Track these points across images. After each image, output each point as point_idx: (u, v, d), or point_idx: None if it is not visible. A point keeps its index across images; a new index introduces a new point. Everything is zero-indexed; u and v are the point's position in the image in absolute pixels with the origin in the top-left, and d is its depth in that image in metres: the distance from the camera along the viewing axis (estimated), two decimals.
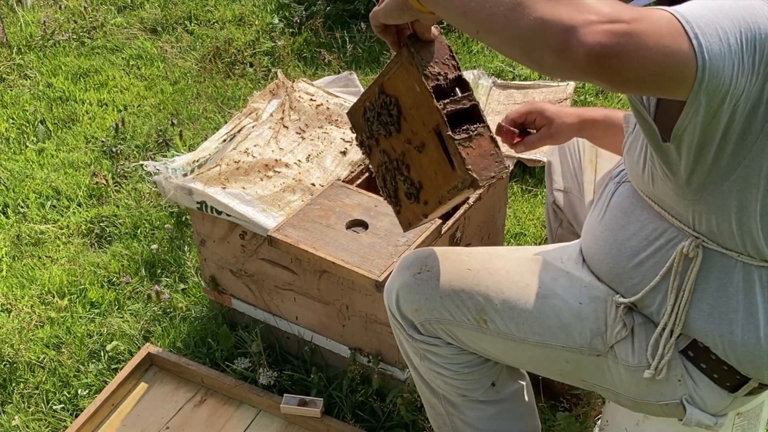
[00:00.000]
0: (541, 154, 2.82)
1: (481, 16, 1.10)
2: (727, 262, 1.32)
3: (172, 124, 3.23)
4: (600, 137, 1.73)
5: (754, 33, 1.08)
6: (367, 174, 2.13)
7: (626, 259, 1.42)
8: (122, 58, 3.78)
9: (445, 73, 1.33)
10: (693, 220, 1.31)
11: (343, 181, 2.05)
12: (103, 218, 2.83)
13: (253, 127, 2.23)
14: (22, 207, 2.92)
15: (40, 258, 2.69)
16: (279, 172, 2.10)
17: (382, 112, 1.45)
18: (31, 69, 3.72)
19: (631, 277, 1.43)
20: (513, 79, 3.45)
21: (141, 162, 3.02)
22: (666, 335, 1.38)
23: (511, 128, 1.67)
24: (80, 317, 2.44)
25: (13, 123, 3.39)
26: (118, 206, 2.87)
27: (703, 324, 1.36)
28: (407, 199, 1.49)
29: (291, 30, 3.77)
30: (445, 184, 1.38)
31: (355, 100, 2.35)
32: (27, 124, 3.37)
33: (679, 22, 1.04)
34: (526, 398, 1.72)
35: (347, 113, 1.57)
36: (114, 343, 2.33)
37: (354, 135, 1.60)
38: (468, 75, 3.29)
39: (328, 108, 2.29)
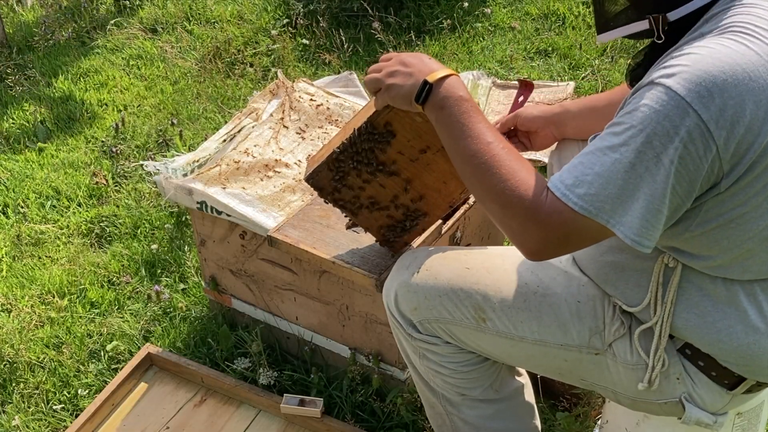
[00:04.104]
0: (541, 154, 2.82)
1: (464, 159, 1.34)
2: (706, 277, 1.34)
3: (172, 124, 3.23)
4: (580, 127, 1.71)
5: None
6: None
7: (612, 270, 1.44)
8: (122, 58, 3.78)
9: None
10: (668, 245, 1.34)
11: None
12: (103, 218, 2.83)
13: (253, 127, 2.23)
14: (22, 207, 2.92)
15: (40, 258, 2.70)
16: (279, 172, 2.10)
17: (373, 146, 1.54)
18: (31, 69, 3.72)
19: (617, 285, 1.44)
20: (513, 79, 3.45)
21: (141, 162, 3.02)
22: (655, 343, 1.39)
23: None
24: (80, 317, 2.44)
25: (13, 123, 3.39)
26: (118, 206, 2.88)
27: (693, 333, 1.37)
28: (417, 218, 1.67)
29: (291, 30, 3.77)
30: (457, 188, 1.62)
31: (355, 99, 2.36)
32: (27, 124, 3.37)
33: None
34: (526, 397, 1.72)
35: (308, 180, 1.62)
36: (114, 343, 2.33)
37: (324, 197, 1.66)
38: (468, 75, 3.29)
39: (328, 108, 2.29)
